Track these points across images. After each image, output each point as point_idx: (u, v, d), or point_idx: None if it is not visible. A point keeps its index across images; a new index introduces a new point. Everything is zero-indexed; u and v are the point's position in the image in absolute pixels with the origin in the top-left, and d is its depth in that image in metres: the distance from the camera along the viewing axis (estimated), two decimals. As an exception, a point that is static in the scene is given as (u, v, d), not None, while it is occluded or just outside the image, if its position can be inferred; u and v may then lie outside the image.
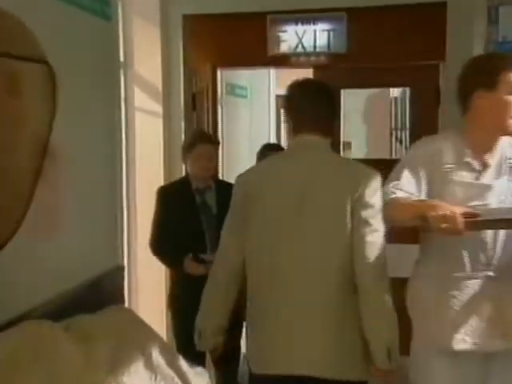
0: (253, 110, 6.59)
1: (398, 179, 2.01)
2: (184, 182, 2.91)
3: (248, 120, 6.43)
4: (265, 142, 7.90)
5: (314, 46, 3.63)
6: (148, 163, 3.50)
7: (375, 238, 1.90)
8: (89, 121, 2.18)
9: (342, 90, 3.81)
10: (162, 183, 3.39)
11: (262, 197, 1.99)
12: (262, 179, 2.04)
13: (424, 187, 2.02)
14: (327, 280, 1.92)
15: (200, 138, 2.87)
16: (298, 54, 3.71)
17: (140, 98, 3.48)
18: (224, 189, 2.81)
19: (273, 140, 7.64)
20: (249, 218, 2.00)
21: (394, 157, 7.76)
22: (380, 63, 3.62)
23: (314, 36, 3.62)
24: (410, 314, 2.14)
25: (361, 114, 5.47)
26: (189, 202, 2.83)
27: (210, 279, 2.14)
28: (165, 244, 2.81)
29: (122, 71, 3.05)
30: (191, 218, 2.80)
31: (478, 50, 3.03)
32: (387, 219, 1.98)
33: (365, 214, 1.90)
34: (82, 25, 2.14)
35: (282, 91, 5.84)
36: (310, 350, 1.92)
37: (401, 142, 6.23)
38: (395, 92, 6.44)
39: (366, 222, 1.90)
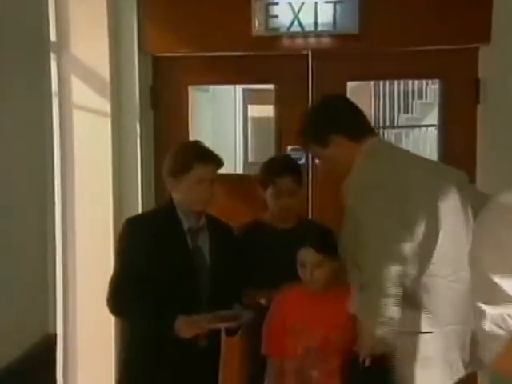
0: (215, 106, 6.68)
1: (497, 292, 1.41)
2: (170, 216, 2.44)
3: (210, 117, 6.49)
4: (230, 141, 7.73)
5: (315, 24, 3.23)
6: (91, 182, 3.20)
7: None
8: (4, 123, 1.95)
9: (348, 83, 3.31)
10: (110, 210, 3.12)
11: (420, 202, 2.12)
12: (404, 181, 2.14)
13: None
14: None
15: (201, 155, 2.39)
16: (293, 35, 3.28)
17: (80, 92, 3.20)
18: (218, 229, 2.49)
19: (239, 138, 7.32)
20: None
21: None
22: (401, 47, 3.17)
23: (315, 10, 3.24)
24: None
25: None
26: (179, 246, 2.40)
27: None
28: (137, 299, 2.33)
29: (53, 55, 2.92)
30: (182, 269, 2.38)
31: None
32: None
33: None
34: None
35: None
36: None
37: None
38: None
39: None
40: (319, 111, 2.35)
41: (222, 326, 2.30)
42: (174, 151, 2.46)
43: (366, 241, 2.04)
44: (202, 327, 2.27)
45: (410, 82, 9.89)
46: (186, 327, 2.26)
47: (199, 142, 2.55)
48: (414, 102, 9.08)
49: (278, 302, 2.37)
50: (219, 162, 2.42)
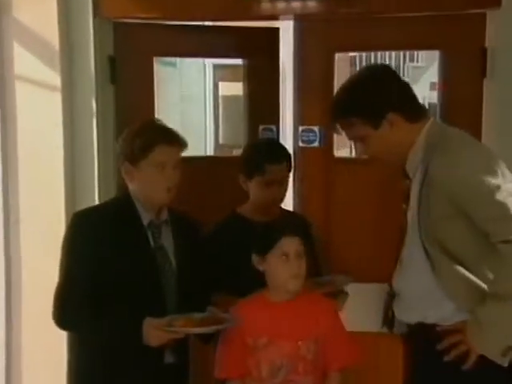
0: (184, 84, 6.41)
1: None
2: (126, 209, 2.23)
3: (178, 95, 6.22)
4: (200, 120, 7.57)
5: (300, -16, 2.89)
6: (39, 169, 2.95)
7: None
8: None
9: (336, 55, 3.03)
10: (62, 203, 2.88)
11: None
12: None
13: None
14: None
15: (164, 134, 2.18)
16: (274, -2, 2.93)
17: (24, 62, 2.95)
18: (182, 224, 2.28)
19: (209, 118, 7.15)
20: None
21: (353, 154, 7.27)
22: (398, 12, 2.86)
23: (300, -32, 2.89)
24: None
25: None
26: (138, 244, 2.19)
27: None
28: (89, 310, 2.12)
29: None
30: (142, 271, 2.16)
31: None
32: None
33: None
34: None
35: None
36: None
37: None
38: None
39: None
40: (374, 84, 2.01)
41: (203, 330, 2.01)
42: (130, 132, 2.24)
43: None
44: (176, 331, 2.01)
45: (387, 59, 9.77)
46: (156, 331, 2.01)
47: (158, 119, 2.37)
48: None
49: (234, 315, 2.09)
50: (183, 143, 2.22)
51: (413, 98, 2.03)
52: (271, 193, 2.43)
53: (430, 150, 1.92)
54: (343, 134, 2.07)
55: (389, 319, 2.10)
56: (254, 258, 2.08)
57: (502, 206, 1.79)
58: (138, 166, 2.15)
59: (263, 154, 2.47)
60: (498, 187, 1.82)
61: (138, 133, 2.20)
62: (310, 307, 2.09)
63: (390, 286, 2.07)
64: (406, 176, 2.01)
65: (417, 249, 1.93)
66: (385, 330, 2.13)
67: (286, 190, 2.51)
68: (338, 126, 2.05)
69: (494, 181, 1.82)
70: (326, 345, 2.07)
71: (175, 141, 2.19)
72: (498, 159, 1.91)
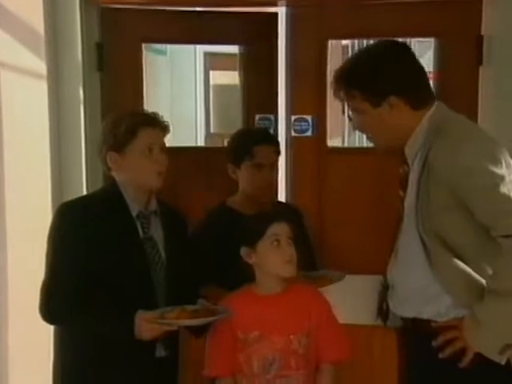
0: (174, 72, 6.64)
1: None
2: (114, 199, 2.19)
3: (168, 84, 6.40)
4: (190, 110, 7.52)
5: (291, -31, 2.86)
6: (25, 161, 2.88)
7: None
8: None
9: (329, 42, 3.00)
10: (48, 196, 2.82)
11: None
12: None
13: None
14: None
15: (145, 118, 2.18)
16: (266, -18, 2.91)
17: (8, 49, 2.90)
18: (171, 216, 2.25)
19: (200, 107, 7.09)
20: None
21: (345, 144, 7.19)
22: None
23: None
24: None
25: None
26: (127, 236, 2.16)
27: None
28: (78, 305, 2.08)
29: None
30: (132, 263, 2.13)
31: None
32: None
33: None
34: None
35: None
36: None
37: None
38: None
39: None
40: (382, 63, 1.90)
41: (198, 322, 1.97)
42: (110, 122, 2.24)
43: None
44: (169, 324, 1.98)
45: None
46: (149, 324, 1.98)
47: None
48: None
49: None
50: (166, 126, 2.22)
51: (422, 84, 1.93)
52: (261, 178, 2.39)
53: (432, 135, 1.85)
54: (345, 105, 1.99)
55: (383, 312, 2.04)
56: (244, 250, 2.02)
57: (506, 198, 1.72)
58: (123, 154, 2.12)
59: (250, 137, 2.45)
60: (502, 178, 1.74)
61: (119, 121, 2.18)
62: (301, 300, 2.04)
63: (385, 277, 2.01)
64: (405, 162, 1.94)
65: (413, 239, 1.86)
66: (379, 322, 2.07)
67: (276, 175, 2.45)
68: (342, 94, 1.96)
69: (497, 171, 1.74)
70: (317, 338, 2.03)
71: (157, 123, 2.18)
72: (502, 148, 1.83)
